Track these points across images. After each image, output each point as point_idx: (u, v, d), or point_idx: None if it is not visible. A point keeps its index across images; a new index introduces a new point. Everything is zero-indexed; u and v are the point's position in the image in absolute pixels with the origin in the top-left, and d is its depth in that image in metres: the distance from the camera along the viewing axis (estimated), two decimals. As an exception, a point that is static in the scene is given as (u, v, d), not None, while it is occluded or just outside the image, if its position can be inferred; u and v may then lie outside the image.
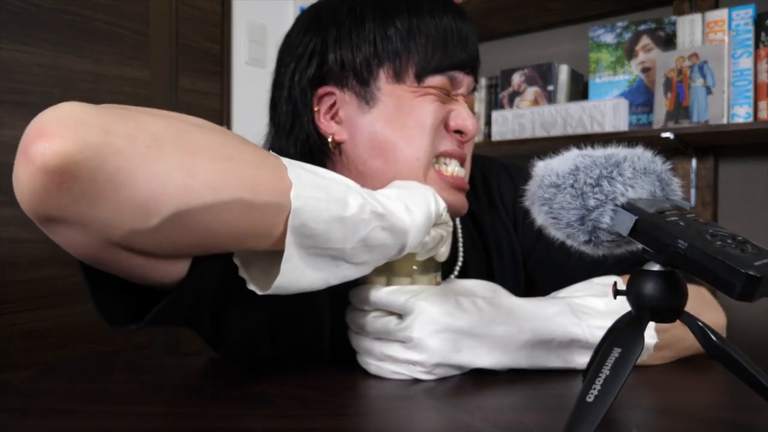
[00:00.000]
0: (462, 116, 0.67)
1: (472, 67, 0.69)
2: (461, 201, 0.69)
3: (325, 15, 0.68)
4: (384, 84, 0.66)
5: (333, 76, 0.67)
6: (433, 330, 0.54)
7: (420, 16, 0.66)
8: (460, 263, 0.75)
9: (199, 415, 0.46)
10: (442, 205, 0.56)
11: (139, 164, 0.38)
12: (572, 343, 0.56)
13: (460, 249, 0.76)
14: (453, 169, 0.68)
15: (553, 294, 0.62)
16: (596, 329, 0.56)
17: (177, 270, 0.47)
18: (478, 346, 0.55)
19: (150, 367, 0.62)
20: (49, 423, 0.45)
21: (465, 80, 0.68)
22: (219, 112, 1.91)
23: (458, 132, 0.68)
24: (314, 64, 0.67)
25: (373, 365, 0.57)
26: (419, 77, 0.65)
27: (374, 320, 0.57)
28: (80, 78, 1.57)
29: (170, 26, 1.79)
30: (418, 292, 0.56)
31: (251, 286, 0.47)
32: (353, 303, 0.60)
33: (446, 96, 0.67)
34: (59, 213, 0.38)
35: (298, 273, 0.45)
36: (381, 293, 0.56)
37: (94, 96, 1.59)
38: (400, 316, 0.56)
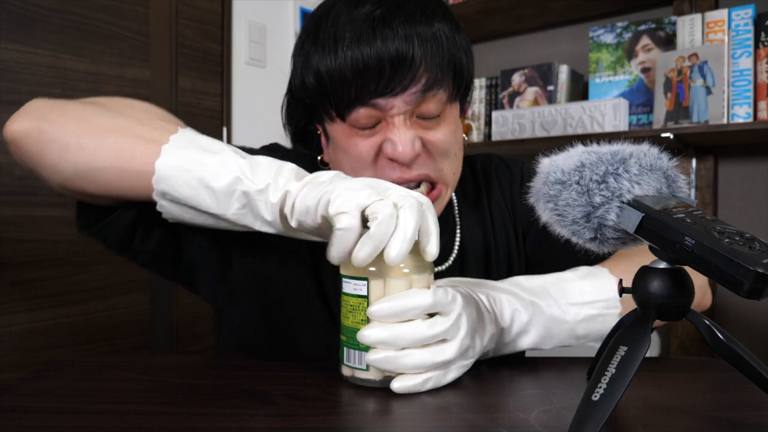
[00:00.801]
0: (392, 143, 0.65)
1: (398, 88, 0.64)
2: None
3: None
4: (327, 125, 0.71)
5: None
6: (471, 325, 0.52)
7: (336, 58, 0.64)
8: (453, 257, 0.78)
9: (199, 415, 0.46)
10: (344, 208, 0.49)
11: (53, 140, 0.58)
12: (552, 325, 0.59)
13: (456, 243, 0.79)
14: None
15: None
16: (570, 306, 0.60)
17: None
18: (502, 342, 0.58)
19: (150, 367, 0.62)
20: (49, 423, 0.45)
21: (394, 102, 0.65)
22: (219, 112, 1.90)
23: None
24: (294, 125, 0.79)
25: (421, 381, 0.51)
26: (341, 116, 0.66)
27: (420, 327, 0.50)
28: (80, 78, 1.57)
29: (170, 26, 1.79)
30: (448, 286, 0.54)
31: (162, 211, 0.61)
32: (387, 317, 0.50)
33: (378, 125, 0.67)
34: (24, 165, 0.62)
35: (178, 211, 0.60)
36: (432, 295, 0.50)
37: (94, 96, 1.59)
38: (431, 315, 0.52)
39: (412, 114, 0.66)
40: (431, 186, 0.70)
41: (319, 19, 0.67)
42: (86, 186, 0.60)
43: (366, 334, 0.50)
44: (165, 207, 0.59)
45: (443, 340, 0.51)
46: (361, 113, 0.65)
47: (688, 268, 0.38)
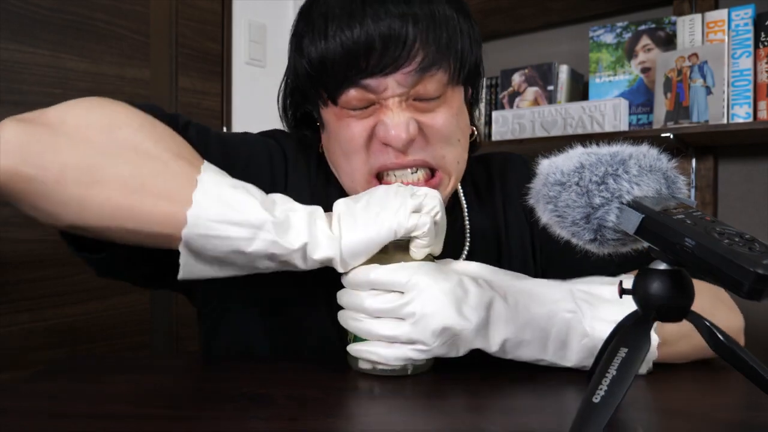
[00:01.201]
0: (385, 126, 0.62)
1: (390, 67, 0.60)
2: None
3: None
4: (321, 111, 0.68)
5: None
6: (436, 306, 0.53)
7: (326, 37, 0.62)
8: (465, 252, 0.75)
9: (198, 417, 0.46)
10: (397, 232, 0.55)
11: (44, 193, 0.49)
12: (571, 334, 0.55)
13: (467, 237, 0.76)
14: (400, 178, 0.65)
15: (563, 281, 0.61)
16: (597, 321, 0.55)
17: None
18: (479, 327, 0.54)
19: (150, 368, 0.62)
20: (49, 423, 0.45)
21: (387, 83, 0.61)
22: (219, 112, 1.90)
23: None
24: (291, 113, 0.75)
25: (367, 352, 0.56)
26: (333, 99, 0.64)
27: (374, 298, 0.55)
28: (80, 78, 1.57)
29: (170, 26, 1.79)
30: (420, 268, 0.55)
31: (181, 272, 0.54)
32: (348, 286, 0.57)
33: (372, 107, 0.63)
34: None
35: (199, 270, 0.55)
36: (382, 271, 0.55)
37: (91, 96, 1.59)
38: (401, 293, 0.55)
39: (408, 96, 0.62)
40: (430, 173, 0.66)
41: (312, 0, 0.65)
42: (87, 235, 0.54)
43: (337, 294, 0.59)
44: (187, 265, 0.54)
45: (401, 318, 0.54)
46: (352, 95, 0.62)
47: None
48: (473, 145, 0.78)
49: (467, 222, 0.77)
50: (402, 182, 0.64)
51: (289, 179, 0.73)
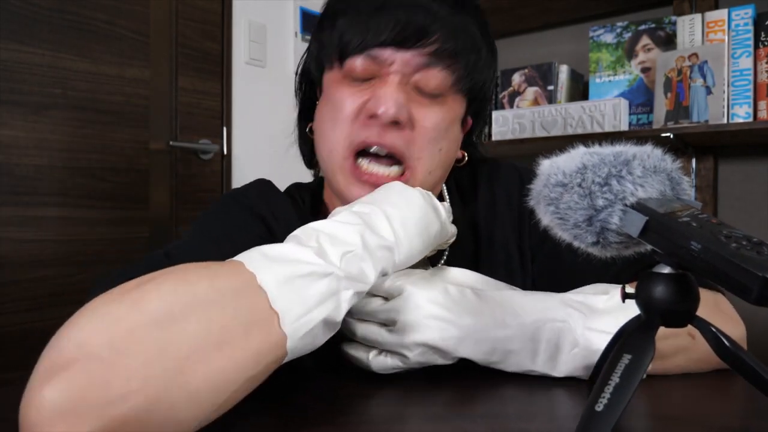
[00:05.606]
0: (376, 99, 0.61)
1: (404, 41, 0.61)
2: None
3: None
4: (324, 75, 0.68)
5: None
6: (418, 315, 0.53)
7: (354, 3, 0.63)
8: (443, 261, 0.73)
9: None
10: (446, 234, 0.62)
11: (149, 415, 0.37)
12: (561, 344, 0.54)
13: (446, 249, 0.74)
14: (373, 168, 0.64)
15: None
16: (588, 331, 0.54)
17: None
18: (462, 336, 0.53)
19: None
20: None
21: (396, 57, 0.62)
22: (219, 112, 1.89)
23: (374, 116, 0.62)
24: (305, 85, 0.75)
25: (353, 354, 0.57)
26: (341, 60, 0.63)
27: (359, 300, 0.53)
28: (80, 78, 1.56)
29: (170, 26, 1.78)
30: (407, 275, 0.56)
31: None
32: None
33: (371, 81, 0.63)
34: None
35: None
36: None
37: (93, 96, 1.59)
38: (386, 299, 0.55)
39: (408, 81, 0.63)
40: (401, 175, 0.64)
41: None
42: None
43: None
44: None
45: (384, 325, 0.55)
46: (358, 62, 0.62)
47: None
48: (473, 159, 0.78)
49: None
50: (370, 171, 0.64)
51: (278, 236, 0.66)
